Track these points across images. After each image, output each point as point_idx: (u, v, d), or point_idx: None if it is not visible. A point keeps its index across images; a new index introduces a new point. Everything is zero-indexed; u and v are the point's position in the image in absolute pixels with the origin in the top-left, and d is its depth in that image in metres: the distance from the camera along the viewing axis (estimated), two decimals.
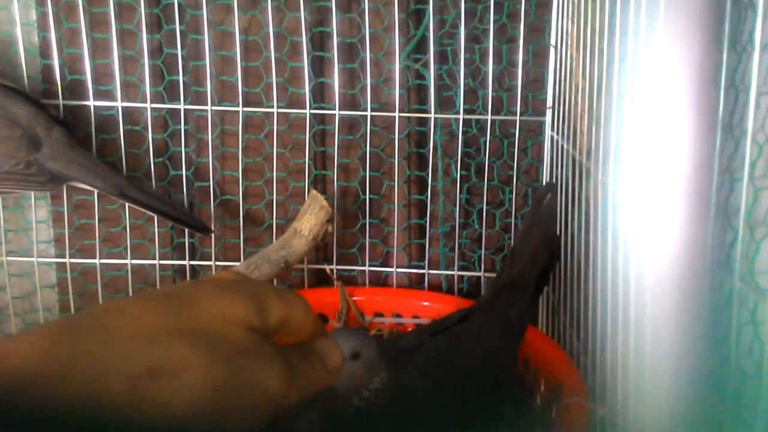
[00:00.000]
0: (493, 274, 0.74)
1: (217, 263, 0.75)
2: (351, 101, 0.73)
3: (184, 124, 0.72)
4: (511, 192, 0.73)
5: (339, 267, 0.75)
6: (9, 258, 0.74)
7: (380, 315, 0.70)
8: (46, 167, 0.64)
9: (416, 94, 0.73)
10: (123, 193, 0.67)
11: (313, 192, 0.69)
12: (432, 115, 0.71)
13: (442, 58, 0.71)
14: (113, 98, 0.71)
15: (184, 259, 0.75)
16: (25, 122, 0.63)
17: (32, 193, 0.72)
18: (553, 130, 0.70)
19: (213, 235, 0.74)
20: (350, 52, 0.72)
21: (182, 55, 0.70)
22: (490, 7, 0.68)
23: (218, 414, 0.30)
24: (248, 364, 0.31)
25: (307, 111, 0.71)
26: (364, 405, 0.45)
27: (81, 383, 0.27)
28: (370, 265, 0.75)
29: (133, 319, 0.30)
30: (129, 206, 0.73)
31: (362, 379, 0.44)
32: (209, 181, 0.73)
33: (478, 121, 0.72)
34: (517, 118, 0.71)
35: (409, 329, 0.68)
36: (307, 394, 0.36)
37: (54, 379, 0.26)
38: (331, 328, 0.67)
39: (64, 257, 0.74)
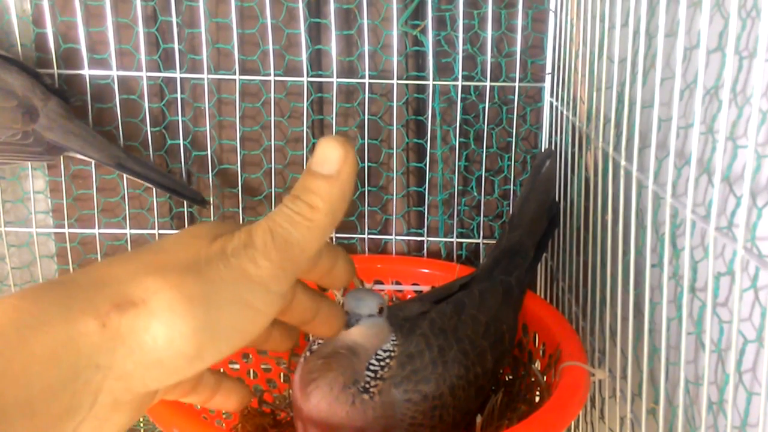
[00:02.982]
0: (492, 241, 0.75)
1: None
2: (348, 68, 0.72)
3: (181, 93, 0.72)
4: (509, 159, 0.73)
5: (338, 235, 0.75)
6: (7, 228, 0.74)
7: (379, 282, 0.71)
8: (44, 138, 0.63)
9: (414, 61, 0.72)
10: (120, 164, 0.67)
11: None
12: (430, 82, 0.71)
13: (440, 23, 0.70)
14: (108, 67, 0.70)
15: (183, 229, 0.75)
16: (20, 93, 0.63)
17: (29, 163, 0.72)
18: (552, 96, 0.70)
19: (212, 204, 0.74)
20: (347, 18, 0.71)
21: (177, 22, 0.70)
22: None
23: (207, 321, 0.29)
24: (224, 267, 0.30)
25: (304, 78, 0.71)
26: (379, 367, 0.46)
27: (49, 328, 0.27)
28: (369, 233, 0.75)
29: (98, 270, 0.30)
30: (127, 176, 0.73)
31: (384, 336, 0.45)
32: (207, 150, 0.73)
33: (476, 87, 0.72)
34: (516, 84, 0.70)
35: (409, 296, 0.69)
36: (299, 270, 0.33)
37: (23, 328, 0.26)
38: (331, 296, 0.68)
39: (63, 227, 0.74)
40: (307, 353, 0.48)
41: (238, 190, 0.74)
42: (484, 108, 0.71)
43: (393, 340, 0.47)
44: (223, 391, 0.38)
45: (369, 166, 0.73)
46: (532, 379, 0.57)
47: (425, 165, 0.73)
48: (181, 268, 0.30)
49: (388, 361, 0.46)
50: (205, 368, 0.31)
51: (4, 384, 0.25)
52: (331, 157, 0.32)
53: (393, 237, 0.75)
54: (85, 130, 0.66)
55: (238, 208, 0.74)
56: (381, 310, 0.45)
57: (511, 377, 0.60)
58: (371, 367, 0.45)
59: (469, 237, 0.76)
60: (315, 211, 0.32)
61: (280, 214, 0.32)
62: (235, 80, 0.71)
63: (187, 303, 0.29)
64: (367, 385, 0.45)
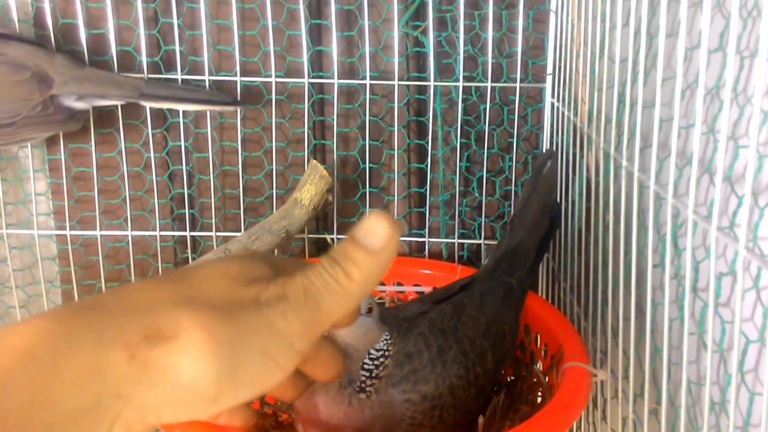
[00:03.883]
0: (494, 242, 0.75)
1: (218, 234, 0.75)
2: (350, 69, 0.72)
3: None
4: (510, 159, 0.73)
5: (340, 236, 0.75)
6: (9, 230, 0.74)
7: (381, 283, 0.71)
8: (62, 100, 0.64)
9: (415, 62, 0.72)
10: (143, 95, 0.67)
11: (313, 162, 0.68)
12: (431, 83, 0.71)
13: (441, 24, 0.70)
14: (109, 68, 0.70)
15: (185, 230, 0.75)
16: (30, 63, 0.64)
17: (30, 165, 0.72)
18: (553, 97, 0.70)
19: (213, 206, 0.73)
20: (348, 19, 0.71)
21: (178, 24, 0.70)
22: None
23: (231, 367, 0.30)
24: (255, 315, 0.31)
25: (305, 80, 0.71)
26: (374, 366, 0.46)
27: (80, 355, 0.27)
28: None
29: (130, 296, 0.30)
30: (129, 178, 0.73)
31: (374, 336, 0.45)
32: (208, 151, 0.73)
33: (477, 88, 0.72)
34: (517, 85, 0.70)
35: (410, 297, 0.69)
36: (321, 332, 0.34)
37: (53, 353, 0.27)
38: None
39: (64, 229, 0.74)
40: None
41: (239, 192, 0.74)
42: (485, 109, 0.71)
43: (386, 339, 0.47)
44: (228, 412, 0.38)
45: (370, 167, 0.73)
46: (534, 380, 0.57)
47: (426, 166, 0.73)
48: (213, 308, 0.30)
49: (383, 360, 0.46)
50: (218, 411, 0.31)
51: (32, 407, 0.26)
52: (378, 233, 0.33)
53: None
54: (97, 73, 0.67)
55: (240, 209, 0.74)
56: (369, 310, 0.45)
57: (512, 378, 0.60)
58: (365, 366, 0.45)
59: (470, 238, 0.76)
60: (351, 280, 0.33)
61: (316, 275, 0.33)
62: (236, 82, 0.71)
63: (216, 346, 0.29)
64: (363, 385, 0.45)
